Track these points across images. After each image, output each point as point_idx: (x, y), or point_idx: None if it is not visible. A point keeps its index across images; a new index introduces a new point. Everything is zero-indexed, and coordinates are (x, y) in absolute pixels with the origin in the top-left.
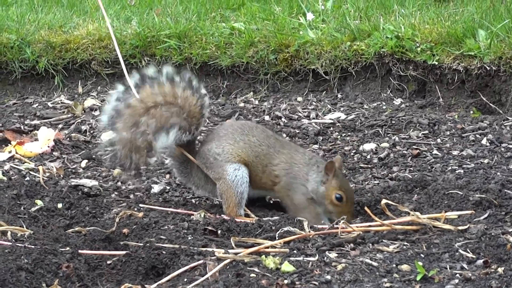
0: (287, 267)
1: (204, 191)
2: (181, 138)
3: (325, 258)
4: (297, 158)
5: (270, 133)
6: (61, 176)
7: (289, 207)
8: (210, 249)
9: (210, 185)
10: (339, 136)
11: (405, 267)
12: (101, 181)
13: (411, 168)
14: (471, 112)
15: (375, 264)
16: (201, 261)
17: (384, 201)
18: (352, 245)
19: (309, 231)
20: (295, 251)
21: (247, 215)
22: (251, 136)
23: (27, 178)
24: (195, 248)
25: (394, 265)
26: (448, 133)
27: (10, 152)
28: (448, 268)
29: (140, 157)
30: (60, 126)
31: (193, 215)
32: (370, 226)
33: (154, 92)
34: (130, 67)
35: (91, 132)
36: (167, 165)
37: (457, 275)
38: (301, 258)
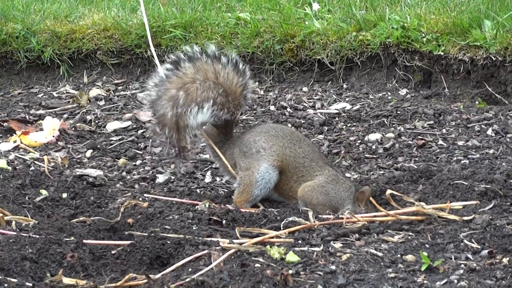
0: (291, 257)
1: (230, 175)
2: (219, 116)
3: (330, 248)
4: (341, 180)
5: (316, 149)
6: (66, 166)
7: (305, 195)
8: (215, 239)
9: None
10: (344, 126)
11: (410, 257)
12: (106, 171)
13: (416, 159)
14: (477, 102)
15: (380, 254)
16: (205, 251)
17: (389, 191)
18: (357, 235)
19: (314, 221)
20: (300, 241)
21: (254, 204)
22: (298, 147)
23: (32, 168)
24: (200, 238)
25: (399, 256)
26: (453, 123)
27: (15, 141)
28: (453, 259)
29: (175, 134)
30: (65, 116)
31: (198, 205)
32: (375, 216)
33: (195, 69)
34: (136, 57)
35: (96, 122)
36: (202, 143)
37: (462, 265)
38: (306, 248)
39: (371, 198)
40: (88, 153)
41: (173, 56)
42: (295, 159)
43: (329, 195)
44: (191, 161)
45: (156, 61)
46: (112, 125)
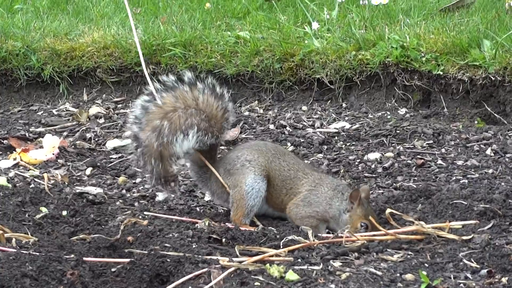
0: (291, 275)
1: (219, 199)
2: (204, 141)
3: (329, 267)
4: (325, 181)
5: (300, 160)
6: (66, 183)
7: (291, 213)
8: (214, 257)
9: (226, 194)
10: (343, 146)
11: (409, 276)
12: (105, 188)
13: (416, 178)
14: (476, 122)
15: (379, 273)
16: (205, 269)
17: (388, 210)
18: (356, 254)
19: (314, 240)
20: (299, 260)
21: (253, 223)
22: (282, 161)
23: (32, 185)
24: (200, 256)
25: (398, 274)
26: (452, 143)
27: (15, 159)
28: (452, 278)
29: (161, 163)
30: (65, 133)
31: (197, 223)
32: (374, 235)
33: (174, 98)
34: (136, 75)
35: (96, 139)
36: (186, 168)
37: (461, 284)
38: (305, 267)
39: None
40: (88, 170)
41: (150, 87)
42: (281, 173)
43: (312, 205)
44: (178, 187)
45: (151, 85)
46: (111, 143)
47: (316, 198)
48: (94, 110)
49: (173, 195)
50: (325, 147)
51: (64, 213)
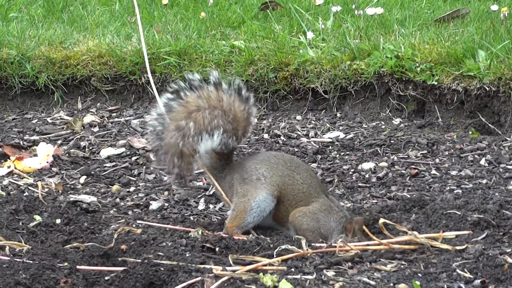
0: (284, 285)
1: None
2: (228, 143)
3: (323, 276)
4: (334, 211)
5: (313, 174)
6: (60, 191)
7: (295, 220)
8: (208, 266)
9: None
10: (337, 155)
11: (402, 286)
12: (99, 197)
13: (410, 188)
14: (470, 132)
15: (372, 283)
16: (199, 278)
17: (382, 220)
18: (349, 263)
19: (307, 249)
20: (292, 269)
21: (247, 231)
22: (296, 174)
23: (26, 194)
24: (193, 265)
25: (391, 284)
26: (446, 153)
27: (9, 167)
28: None
29: (183, 162)
30: (59, 142)
31: (191, 232)
32: (368, 245)
33: (198, 97)
34: (130, 84)
35: (90, 148)
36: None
37: None
38: (298, 276)
39: (364, 227)
40: (82, 179)
41: (175, 85)
42: (294, 186)
43: (319, 222)
44: (185, 188)
45: (155, 90)
46: (106, 152)
47: (323, 221)
48: (88, 118)
49: (191, 194)
50: (319, 156)
51: (58, 221)
